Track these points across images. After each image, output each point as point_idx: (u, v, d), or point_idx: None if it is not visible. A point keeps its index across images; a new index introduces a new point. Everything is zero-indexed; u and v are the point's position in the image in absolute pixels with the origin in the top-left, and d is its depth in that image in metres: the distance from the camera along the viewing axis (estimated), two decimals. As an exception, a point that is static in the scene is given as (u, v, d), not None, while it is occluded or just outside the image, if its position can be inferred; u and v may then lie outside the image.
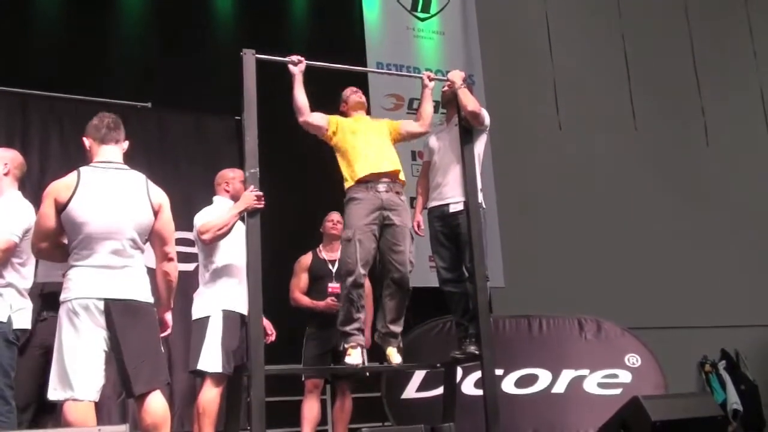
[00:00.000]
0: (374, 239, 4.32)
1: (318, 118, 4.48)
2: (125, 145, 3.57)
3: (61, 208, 3.31)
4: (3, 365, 3.54)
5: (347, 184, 4.42)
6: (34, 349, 4.13)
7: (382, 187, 4.35)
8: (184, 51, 7.02)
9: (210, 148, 6.29)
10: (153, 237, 3.44)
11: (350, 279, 4.24)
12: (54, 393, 3.23)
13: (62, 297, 3.31)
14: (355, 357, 4.21)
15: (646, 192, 9.17)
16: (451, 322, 5.46)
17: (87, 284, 3.27)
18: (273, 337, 4.53)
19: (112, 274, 3.28)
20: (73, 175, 3.39)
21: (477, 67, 8.28)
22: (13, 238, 3.61)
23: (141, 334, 3.24)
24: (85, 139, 3.56)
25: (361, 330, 4.30)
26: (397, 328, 4.40)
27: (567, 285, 8.11)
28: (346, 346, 4.25)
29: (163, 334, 3.52)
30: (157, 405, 3.24)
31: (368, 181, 4.35)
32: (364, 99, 4.76)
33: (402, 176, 4.50)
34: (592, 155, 8.97)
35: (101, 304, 3.23)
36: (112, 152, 3.49)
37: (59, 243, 3.41)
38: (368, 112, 4.92)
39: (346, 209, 4.38)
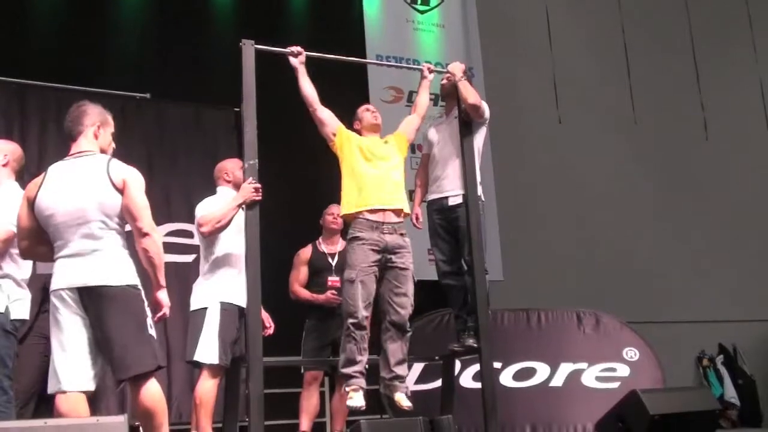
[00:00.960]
0: (375, 280, 4.20)
1: (328, 117, 4.38)
2: (93, 129, 3.49)
3: (31, 204, 3.36)
4: (1, 355, 3.55)
5: (346, 210, 4.29)
6: (34, 340, 4.16)
7: (387, 228, 4.21)
8: (184, 42, 7.00)
9: (209, 139, 6.28)
10: (125, 215, 3.34)
11: (353, 321, 4.09)
12: (49, 386, 3.27)
13: (50, 290, 3.32)
14: (356, 400, 4.06)
15: (645, 186, 9.17)
16: (450, 315, 5.47)
17: (60, 275, 3.27)
18: (271, 330, 4.52)
19: (81, 261, 3.24)
20: (42, 174, 3.43)
21: (476, 59, 8.27)
22: (11, 228, 3.62)
23: (120, 319, 3.18)
24: None
25: (362, 373, 4.14)
26: (403, 371, 4.23)
27: (566, 278, 8.11)
28: (347, 389, 4.11)
29: (158, 315, 3.42)
30: (149, 392, 3.19)
31: (373, 216, 4.20)
32: (379, 120, 4.57)
33: (407, 210, 4.38)
34: (592, 148, 8.96)
35: (74, 294, 3.22)
36: (80, 144, 3.48)
37: (41, 241, 3.40)
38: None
39: (349, 246, 4.24)
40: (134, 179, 3.35)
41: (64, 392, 3.19)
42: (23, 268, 3.76)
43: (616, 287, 8.22)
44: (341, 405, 5.00)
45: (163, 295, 3.42)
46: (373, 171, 4.30)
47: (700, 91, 9.60)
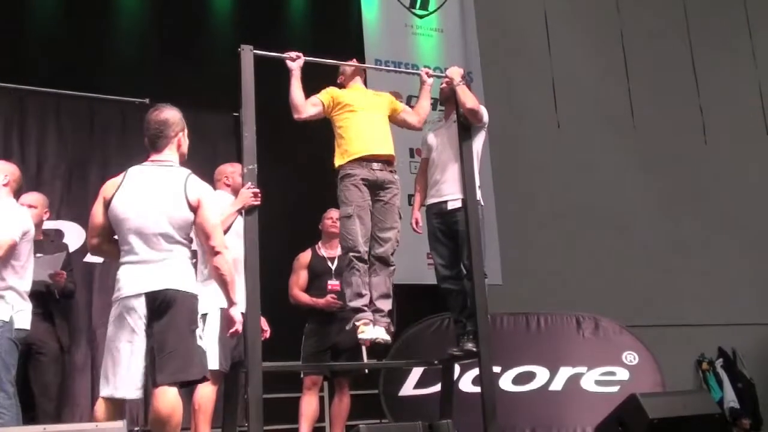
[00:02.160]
0: (370, 215, 4.33)
1: (312, 108, 4.44)
2: (176, 139, 3.54)
3: (107, 204, 3.41)
4: (5, 362, 3.70)
5: (340, 160, 4.39)
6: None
7: (376, 165, 4.35)
8: (183, 47, 7.01)
9: (208, 144, 6.26)
10: (197, 233, 3.43)
11: (354, 254, 4.20)
12: (100, 388, 3.34)
13: (113, 297, 3.37)
14: (368, 332, 4.14)
15: (644, 190, 9.17)
16: (449, 319, 5.46)
17: (126, 282, 3.31)
18: (268, 334, 4.52)
19: (148, 268, 3.30)
20: (122, 174, 3.48)
21: (475, 64, 8.27)
22: (14, 237, 3.78)
23: (177, 323, 3.23)
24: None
25: (368, 306, 4.23)
26: (386, 306, 4.30)
27: (565, 282, 8.11)
28: (357, 323, 4.19)
29: (230, 331, 3.50)
30: (169, 399, 3.19)
31: (362, 160, 4.34)
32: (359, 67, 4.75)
33: (395, 161, 4.51)
34: (591, 153, 8.97)
35: (142, 300, 3.26)
36: (163, 153, 3.52)
37: (111, 240, 3.47)
38: (365, 82, 4.87)
39: (341, 184, 4.34)
40: (209, 198, 3.44)
41: (111, 398, 3.24)
42: (25, 280, 3.90)
43: (615, 291, 8.22)
44: (340, 410, 5.01)
45: (235, 312, 3.50)
46: (359, 121, 4.42)
47: (699, 95, 9.62)
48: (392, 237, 4.37)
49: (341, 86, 4.66)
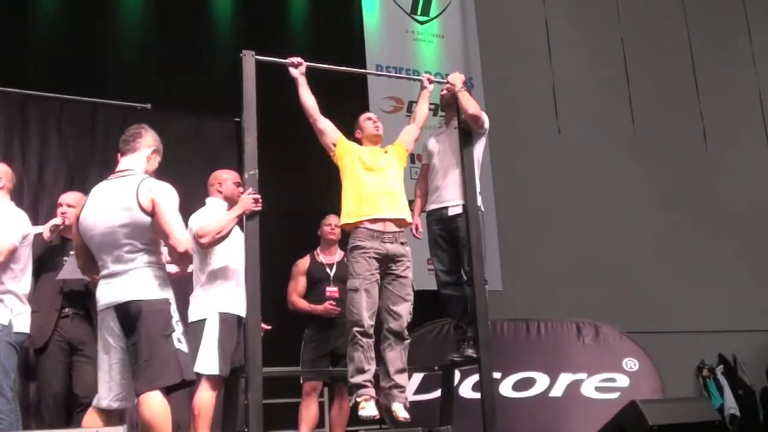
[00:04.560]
0: (378, 288, 4.21)
1: (327, 127, 4.38)
2: (147, 151, 3.56)
3: (78, 223, 3.43)
4: (5, 365, 3.70)
5: (346, 220, 4.28)
6: (57, 345, 4.32)
7: (387, 237, 4.22)
8: (184, 52, 7.03)
9: (209, 149, 6.28)
10: (159, 235, 3.36)
11: (358, 329, 4.08)
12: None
13: None
14: (369, 409, 4.02)
15: (644, 196, 9.18)
16: (449, 325, 5.46)
17: (100, 295, 3.34)
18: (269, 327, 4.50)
19: (115, 281, 3.30)
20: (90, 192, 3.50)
21: (476, 70, 8.30)
22: (14, 242, 3.79)
23: (145, 332, 3.21)
24: None
25: (372, 382, 4.11)
26: (403, 381, 4.19)
27: (565, 288, 8.11)
28: (358, 399, 4.08)
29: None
30: (150, 405, 3.18)
31: (373, 225, 4.20)
32: (381, 132, 4.55)
33: (408, 219, 4.38)
34: (591, 159, 8.98)
35: (113, 313, 3.27)
36: (126, 161, 3.52)
37: (93, 258, 3.45)
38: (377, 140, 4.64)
39: (350, 255, 4.24)
40: (163, 197, 3.34)
41: (96, 407, 3.30)
42: (24, 284, 3.91)
43: (616, 297, 8.23)
44: (340, 416, 5.01)
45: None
46: (373, 181, 4.29)
47: (700, 101, 9.63)
48: (406, 310, 4.25)
49: (358, 141, 4.53)
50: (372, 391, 4.09)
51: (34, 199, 5.58)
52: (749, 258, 9.39)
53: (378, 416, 4.08)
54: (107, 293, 3.30)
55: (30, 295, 4.02)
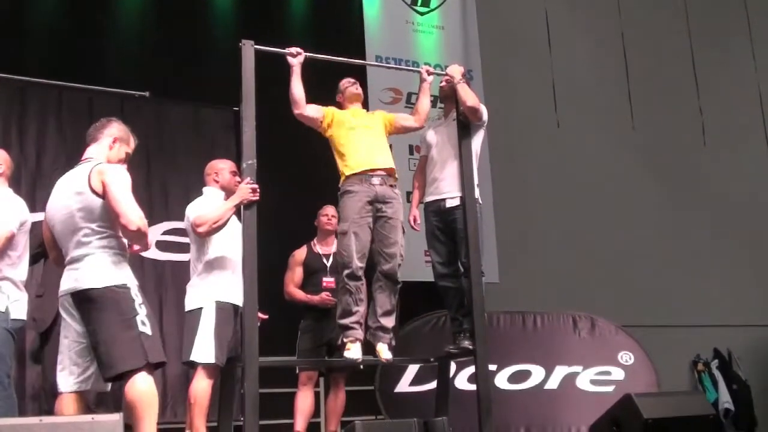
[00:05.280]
0: (369, 231, 4.32)
1: (313, 110, 4.48)
2: (108, 140, 3.55)
3: (46, 217, 3.47)
4: (1, 352, 3.72)
5: (342, 178, 4.42)
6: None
7: (376, 180, 4.36)
8: (183, 41, 7.00)
9: (207, 138, 6.28)
10: (111, 216, 3.32)
11: (347, 271, 4.20)
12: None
13: None
14: (354, 351, 4.16)
15: (642, 190, 9.17)
16: (446, 316, 5.48)
17: (62, 282, 3.35)
18: (266, 316, 4.52)
19: (73, 268, 3.31)
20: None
21: (476, 62, 8.27)
22: (11, 229, 3.77)
23: (104, 320, 3.21)
24: None
25: (359, 324, 4.23)
26: (389, 323, 4.33)
27: (562, 282, 8.12)
28: (345, 340, 4.20)
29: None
30: (135, 387, 3.18)
31: (362, 174, 4.36)
32: (360, 91, 4.76)
33: (395, 173, 4.51)
34: (590, 153, 8.97)
35: (70, 299, 3.29)
36: (89, 151, 3.54)
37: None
38: (365, 105, 4.91)
39: (341, 201, 4.37)
40: (112, 178, 3.31)
41: (59, 393, 3.30)
42: (21, 270, 3.90)
43: (612, 291, 8.23)
44: (336, 405, 5.03)
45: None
46: (360, 137, 4.44)
47: (699, 96, 9.61)
48: (397, 252, 4.35)
49: (339, 105, 4.67)
50: (359, 333, 4.20)
51: (32, 187, 5.56)
52: (746, 253, 9.39)
53: (361, 359, 4.18)
54: (66, 280, 3.32)
55: (36, 280, 4.03)
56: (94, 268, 3.27)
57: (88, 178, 3.32)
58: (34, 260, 4.64)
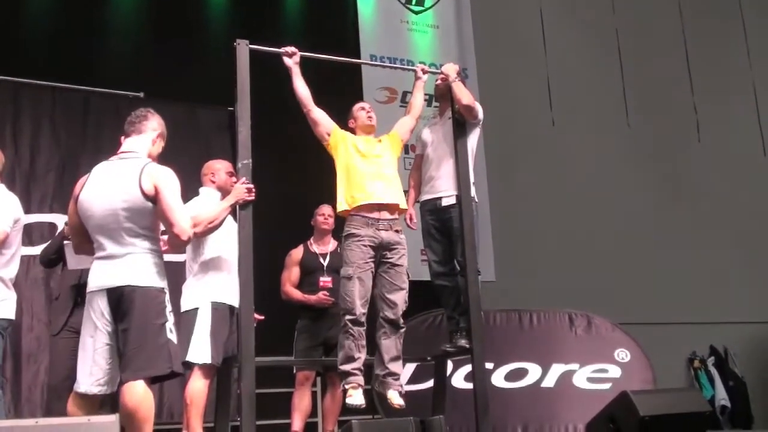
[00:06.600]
0: (372, 277, 4.21)
1: (322, 120, 4.38)
2: (152, 134, 3.56)
3: (75, 202, 3.40)
4: None
5: (342, 207, 4.28)
6: (66, 335, 4.36)
7: (382, 224, 4.22)
8: (177, 41, 6.99)
9: (202, 138, 6.28)
10: (162, 222, 3.35)
11: (350, 317, 4.09)
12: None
13: None
14: (356, 398, 4.05)
15: (637, 188, 9.19)
16: (442, 315, 5.48)
17: (93, 277, 3.31)
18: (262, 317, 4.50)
19: (111, 263, 3.26)
20: (90, 172, 3.46)
21: (471, 61, 8.28)
22: (5, 228, 3.72)
23: (138, 319, 3.18)
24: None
25: (361, 370, 4.12)
26: (397, 368, 4.22)
27: (558, 280, 8.13)
28: (346, 386, 4.09)
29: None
30: (131, 393, 3.14)
31: (369, 213, 4.21)
32: (374, 122, 4.55)
33: (402, 205, 4.38)
34: (585, 151, 8.98)
35: (104, 295, 3.23)
36: (130, 143, 3.51)
37: (88, 239, 3.41)
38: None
39: (345, 244, 4.23)
40: (166, 184, 3.32)
41: (75, 392, 3.26)
42: (11, 269, 3.83)
43: (608, 289, 8.24)
44: (333, 405, 5.01)
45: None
46: (367, 167, 4.30)
47: (693, 93, 9.63)
48: (401, 299, 4.25)
49: (352, 131, 4.52)
50: (360, 380, 4.11)
51: (26, 188, 5.56)
52: (741, 250, 9.41)
53: (364, 405, 4.09)
54: (101, 275, 3.26)
55: (53, 283, 3.97)
56: (138, 267, 3.25)
57: (138, 178, 3.29)
58: (50, 264, 4.64)
